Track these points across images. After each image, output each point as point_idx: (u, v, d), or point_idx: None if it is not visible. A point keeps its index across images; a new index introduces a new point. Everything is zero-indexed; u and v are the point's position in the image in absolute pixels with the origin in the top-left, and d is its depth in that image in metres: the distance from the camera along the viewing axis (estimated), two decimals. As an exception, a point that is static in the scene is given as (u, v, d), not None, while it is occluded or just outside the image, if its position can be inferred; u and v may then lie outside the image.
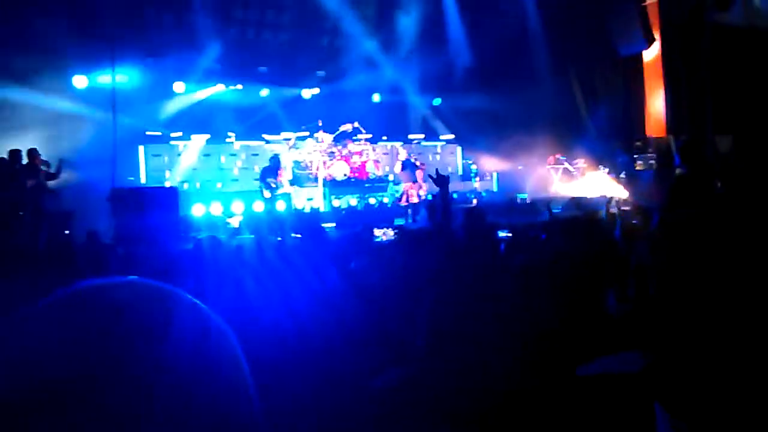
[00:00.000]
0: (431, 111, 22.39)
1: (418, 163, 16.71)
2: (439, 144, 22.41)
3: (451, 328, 2.31)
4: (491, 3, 19.60)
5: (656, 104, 18.32)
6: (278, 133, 19.09)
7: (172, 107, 18.06)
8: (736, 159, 14.06)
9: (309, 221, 11.82)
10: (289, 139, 18.85)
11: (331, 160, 18.61)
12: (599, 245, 3.56)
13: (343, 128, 19.11)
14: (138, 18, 16.31)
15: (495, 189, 20.85)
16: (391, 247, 6.29)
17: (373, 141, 19.90)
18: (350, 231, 7.61)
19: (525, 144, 19.58)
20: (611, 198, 9.90)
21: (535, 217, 12.16)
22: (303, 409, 2.51)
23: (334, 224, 14.56)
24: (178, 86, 18.06)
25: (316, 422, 2.53)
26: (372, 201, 18.36)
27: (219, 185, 17.97)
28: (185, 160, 18.03)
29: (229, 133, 18.60)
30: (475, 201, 18.08)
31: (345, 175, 18.67)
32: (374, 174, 19.42)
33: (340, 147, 18.88)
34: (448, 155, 22.62)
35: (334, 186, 18.21)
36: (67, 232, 12.30)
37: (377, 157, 20.00)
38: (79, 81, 16.08)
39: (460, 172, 22.15)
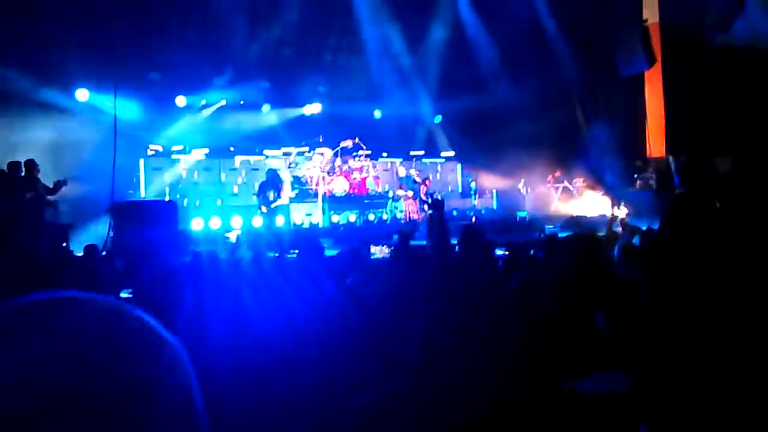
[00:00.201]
0: (432, 128, 22.47)
1: (418, 180, 16.72)
2: (438, 161, 22.44)
3: (442, 342, 2.30)
4: (494, 20, 19.71)
5: (657, 124, 18.38)
6: (278, 149, 19.12)
7: (173, 121, 18.11)
8: (736, 180, 14.08)
9: (306, 237, 11.82)
10: (290, 154, 18.87)
11: (330, 175, 18.62)
12: (594, 264, 3.56)
13: (343, 144, 19.13)
14: (141, 32, 16.38)
15: (494, 206, 20.86)
16: (387, 263, 6.29)
17: (373, 157, 19.92)
18: (347, 247, 7.60)
19: (525, 162, 19.64)
20: (615, 217, 9.90)
21: (534, 235, 12.16)
22: (295, 418, 2.50)
23: (331, 240, 14.51)
24: (180, 101, 18.13)
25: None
26: (371, 217, 18.35)
27: (219, 202, 17.91)
28: (185, 174, 18.03)
29: (231, 148, 18.66)
30: (474, 218, 18.07)
31: (344, 190, 18.67)
32: (374, 190, 19.43)
33: (340, 163, 18.90)
34: (448, 172, 22.65)
35: (333, 202, 18.20)
36: (64, 244, 12.28)
37: (377, 173, 20.02)
38: (81, 94, 16.15)
39: (460, 190, 22.17)
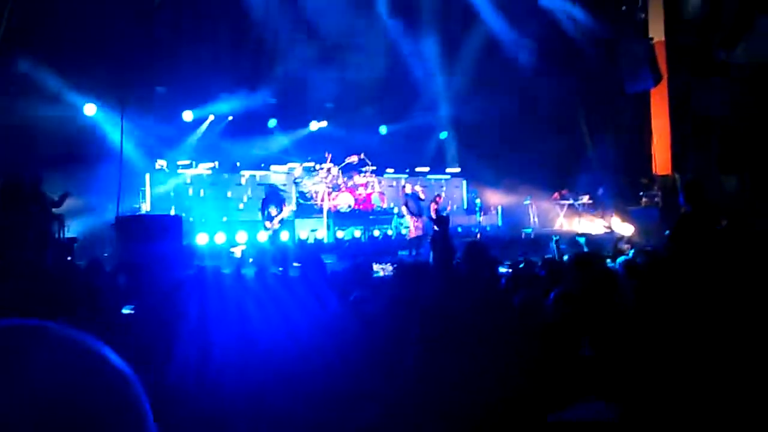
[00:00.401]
0: (437, 144, 22.54)
1: (423, 197, 16.71)
2: (443, 177, 22.45)
3: (439, 360, 2.30)
4: (500, 37, 19.82)
5: (662, 142, 18.37)
6: (284, 164, 19.18)
7: (180, 136, 18.20)
8: (742, 198, 14.06)
9: (308, 252, 11.83)
10: (294, 169, 18.94)
11: (335, 191, 18.66)
12: (595, 285, 3.55)
13: (349, 160, 19.18)
14: (149, 47, 16.48)
15: (499, 223, 20.85)
16: (390, 280, 6.30)
17: (378, 173, 19.96)
18: (351, 263, 7.60)
19: (530, 179, 19.66)
20: (622, 236, 9.89)
21: (539, 252, 12.13)
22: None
23: (335, 256, 14.50)
24: (187, 115, 18.22)
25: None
26: (376, 233, 18.36)
27: (225, 219, 17.85)
28: (191, 191, 18.06)
29: (237, 163, 18.73)
30: (479, 235, 18.06)
31: (349, 206, 18.70)
32: (379, 206, 19.45)
33: (345, 178, 18.94)
34: (453, 189, 22.67)
35: (338, 217, 18.22)
36: (69, 258, 12.29)
37: (382, 189, 20.05)
38: (89, 109, 16.24)
39: (465, 206, 22.18)
